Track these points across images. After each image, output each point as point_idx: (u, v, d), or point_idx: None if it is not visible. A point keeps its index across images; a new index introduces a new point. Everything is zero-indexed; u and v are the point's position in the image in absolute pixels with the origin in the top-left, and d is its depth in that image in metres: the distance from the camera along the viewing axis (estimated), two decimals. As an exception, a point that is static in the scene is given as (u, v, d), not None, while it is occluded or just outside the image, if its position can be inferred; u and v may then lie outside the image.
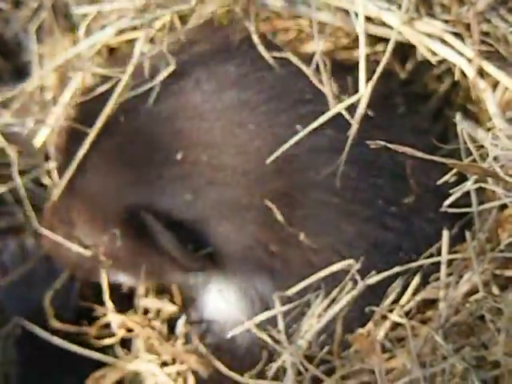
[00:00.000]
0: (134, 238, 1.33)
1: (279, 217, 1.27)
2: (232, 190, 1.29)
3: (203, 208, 1.30)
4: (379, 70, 1.26)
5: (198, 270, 1.34)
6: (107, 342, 1.44)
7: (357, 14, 1.29)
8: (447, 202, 1.24)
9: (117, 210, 1.32)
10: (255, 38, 1.34)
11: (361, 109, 1.26)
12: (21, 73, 1.43)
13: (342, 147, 1.25)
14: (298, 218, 1.30)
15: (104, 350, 1.44)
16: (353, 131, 1.24)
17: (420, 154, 1.18)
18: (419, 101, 1.46)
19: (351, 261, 1.23)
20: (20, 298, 1.47)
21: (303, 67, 1.32)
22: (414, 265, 1.24)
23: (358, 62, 1.28)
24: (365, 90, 1.25)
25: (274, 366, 1.25)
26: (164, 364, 1.41)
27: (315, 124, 1.24)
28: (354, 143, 1.26)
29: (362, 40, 1.27)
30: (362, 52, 1.26)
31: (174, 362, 1.41)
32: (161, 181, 1.30)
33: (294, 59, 1.33)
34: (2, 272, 1.46)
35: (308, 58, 1.34)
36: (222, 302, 1.39)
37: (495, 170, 1.18)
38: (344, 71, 1.35)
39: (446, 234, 1.24)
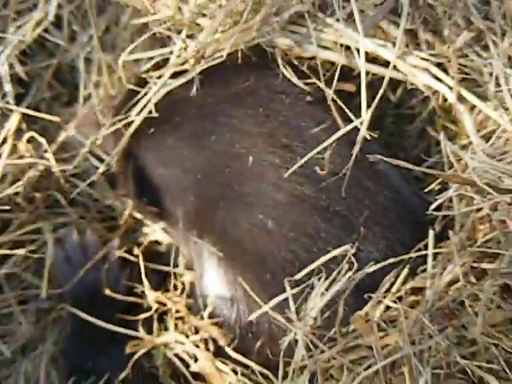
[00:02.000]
0: None
1: None
2: None
3: None
4: (378, 97, 1.24)
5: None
6: (143, 316, 1.40)
7: (358, 50, 1.27)
8: (433, 206, 1.24)
9: None
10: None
11: (363, 131, 1.24)
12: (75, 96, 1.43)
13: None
14: None
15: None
16: (356, 149, 1.22)
17: (410, 166, 1.18)
18: (407, 121, 1.45)
19: (347, 246, 1.23)
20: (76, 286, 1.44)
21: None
22: (405, 257, 1.22)
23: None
24: (366, 115, 1.23)
25: (287, 339, 1.23)
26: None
27: (329, 141, 1.23)
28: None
29: (363, 74, 1.24)
30: (363, 85, 1.23)
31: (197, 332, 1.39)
32: None
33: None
34: (66, 258, 1.43)
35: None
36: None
37: (473, 179, 1.17)
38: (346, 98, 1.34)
39: (431, 232, 1.22)
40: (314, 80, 1.34)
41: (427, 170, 1.24)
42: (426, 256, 1.23)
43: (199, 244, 1.35)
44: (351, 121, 1.25)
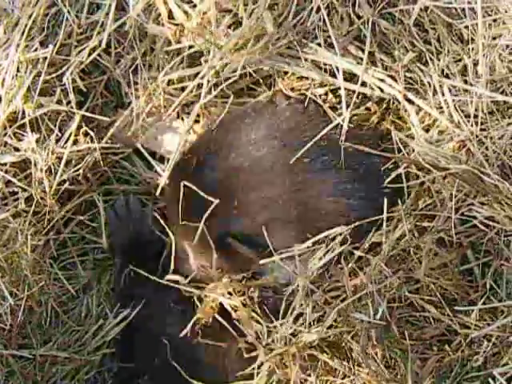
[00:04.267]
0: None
1: None
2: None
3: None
4: (353, 100, 1.33)
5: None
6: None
7: (337, 68, 1.35)
8: (387, 180, 1.29)
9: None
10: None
11: (345, 126, 1.30)
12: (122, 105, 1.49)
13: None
14: None
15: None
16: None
17: (374, 152, 1.26)
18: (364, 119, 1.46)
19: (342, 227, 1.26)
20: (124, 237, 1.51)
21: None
22: (366, 221, 1.27)
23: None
24: (346, 113, 1.30)
25: (290, 288, 1.28)
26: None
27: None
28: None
29: (343, 87, 1.33)
30: (343, 93, 1.32)
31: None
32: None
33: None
34: (116, 214, 1.49)
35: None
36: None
37: (418, 160, 1.25)
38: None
39: (385, 200, 1.25)
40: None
41: (386, 154, 1.29)
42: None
43: None
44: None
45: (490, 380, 1.16)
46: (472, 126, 1.28)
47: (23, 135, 1.36)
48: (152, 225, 1.48)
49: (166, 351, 1.36)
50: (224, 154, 1.32)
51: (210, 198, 1.26)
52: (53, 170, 1.36)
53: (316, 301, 1.27)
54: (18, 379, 1.27)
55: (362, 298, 1.25)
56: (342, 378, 1.31)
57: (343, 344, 1.30)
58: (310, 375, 1.30)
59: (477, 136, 1.26)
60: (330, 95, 1.41)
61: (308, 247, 1.28)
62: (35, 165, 1.34)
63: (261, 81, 1.45)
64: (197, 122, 1.46)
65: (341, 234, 1.27)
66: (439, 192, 1.29)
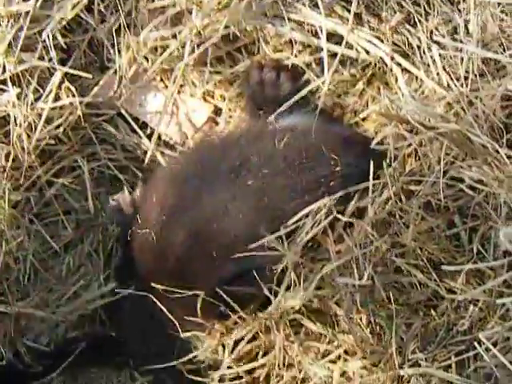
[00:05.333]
0: None
1: None
2: None
3: None
4: (336, 61, 1.24)
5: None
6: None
7: (321, 29, 1.25)
8: (374, 141, 1.22)
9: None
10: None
11: (325, 89, 1.22)
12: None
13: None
14: None
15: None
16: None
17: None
18: (349, 85, 1.37)
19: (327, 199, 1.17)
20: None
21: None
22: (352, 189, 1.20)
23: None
24: (327, 75, 1.22)
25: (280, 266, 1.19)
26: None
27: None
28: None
29: (325, 47, 1.24)
30: (325, 53, 1.24)
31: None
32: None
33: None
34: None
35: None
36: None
37: (407, 118, 1.14)
38: None
39: (371, 164, 1.16)
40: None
41: (376, 112, 1.27)
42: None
43: None
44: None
45: (475, 344, 1.08)
46: (462, 86, 1.18)
47: (3, 90, 1.26)
48: None
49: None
50: None
51: None
52: (33, 127, 1.26)
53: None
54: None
55: (347, 262, 1.16)
56: (327, 344, 1.22)
57: (327, 310, 1.22)
58: (293, 342, 1.22)
59: (467, 96, 1.15)
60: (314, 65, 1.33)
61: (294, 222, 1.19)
62: (15, 120, 1.24)
63: (242, 48, 1.36)
64: (181, 86, 1.37)
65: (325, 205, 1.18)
66: (426, 156, 1.18)
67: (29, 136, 1.27)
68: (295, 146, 1.23)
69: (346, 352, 1.21)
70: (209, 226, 1.18)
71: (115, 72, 1.33)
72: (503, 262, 1.07)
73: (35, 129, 1.27)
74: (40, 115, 1.27)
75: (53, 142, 1.31)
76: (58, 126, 1.29)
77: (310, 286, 1.16)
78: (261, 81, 1.32)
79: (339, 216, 1.18)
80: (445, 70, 1.22)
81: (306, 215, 1.19)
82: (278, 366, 1.23)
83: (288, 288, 1.19)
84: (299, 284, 1.18)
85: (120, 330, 1.33)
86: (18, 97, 1.26)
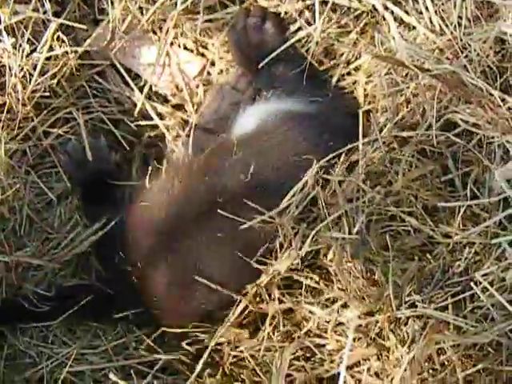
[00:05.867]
0: None
1: None
2: None
3: None
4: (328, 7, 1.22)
5: None
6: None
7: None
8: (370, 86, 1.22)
9: None
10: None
11: (316, 36, 1.21)
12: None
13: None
14: None
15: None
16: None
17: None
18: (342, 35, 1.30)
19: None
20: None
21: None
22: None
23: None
24: (319, 22, 1.21)
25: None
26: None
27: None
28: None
29: None
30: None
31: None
32: None
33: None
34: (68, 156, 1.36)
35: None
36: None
37: (403, 60, 1.11)
38: None
39: (360, 113, 1.14)
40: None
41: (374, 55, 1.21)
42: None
43: None
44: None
45: (472, 285, 1.05)
46: (456, 30, 1.13)
47: (-1, 41, 1.21)
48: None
49: None
50: None
51: None
52: (28, 78, 1.23)
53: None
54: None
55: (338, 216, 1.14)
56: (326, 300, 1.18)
57: (319, 264, 1.19)
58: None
59: (461, 40, 1.11)
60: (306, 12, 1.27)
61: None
62: (10, 70, 1.20)
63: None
64: (174, 39, 1.34)
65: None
66: (419, 104, 1.15)
67: (24, 87, 1.23)
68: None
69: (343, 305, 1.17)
70: None
71: (108, 23, 1.28)
72: (499, 198, 1.05)
73: (30, 80, 1.23)
74: (35, 66, 1.23)
75: (48, 94, 1.27)
76: (52, 77, 1.25)
77: (305, 244, 1.14)
78: (245, 26, 1.28)
79: (329, 177, 1.16)
80: (437, 15, 1.18)
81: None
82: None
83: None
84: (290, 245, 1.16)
85: (116, 286, 1.27)
86: (14, 46, 1.22)
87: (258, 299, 1.20)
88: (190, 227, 1.18)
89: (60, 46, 1.24)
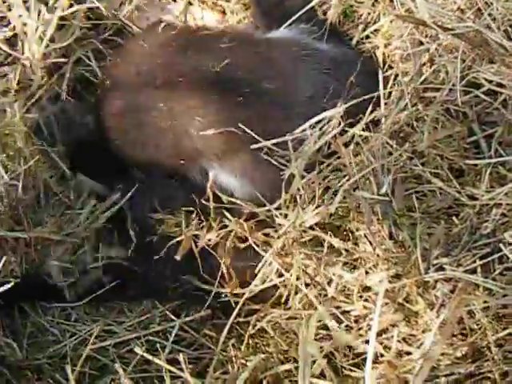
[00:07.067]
0: None
1: None
2: None
3: None
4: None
5: None
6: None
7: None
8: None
9: None
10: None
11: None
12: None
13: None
14: None
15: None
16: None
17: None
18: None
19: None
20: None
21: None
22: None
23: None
24: None
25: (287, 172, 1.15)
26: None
27: None
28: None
29: None
30: None
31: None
32: None
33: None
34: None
35: None
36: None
37: (424, 19, 1.09)
38: None
39: (380, 72, 1.13)
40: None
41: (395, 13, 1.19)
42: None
43: None
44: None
45: (501, 246, 1.03)
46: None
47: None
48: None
49: None
50: None
51: None
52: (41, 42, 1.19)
53: (313, 181, 1.12)
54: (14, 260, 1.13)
55: (365, 175, 1.10)
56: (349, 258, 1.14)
57: (346, 226, 1.15)
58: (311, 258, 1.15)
59: (483, -2, 1.08)
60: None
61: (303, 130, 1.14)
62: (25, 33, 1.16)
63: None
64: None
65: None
66: (443, 65, 1.12)
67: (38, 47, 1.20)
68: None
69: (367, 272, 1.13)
70: None
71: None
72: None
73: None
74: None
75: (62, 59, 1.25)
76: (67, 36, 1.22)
77: (334, 201, 1.10)
78: None
79: (352, 130, 1.13)
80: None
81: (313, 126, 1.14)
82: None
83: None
84: (314, 202, 1.12)
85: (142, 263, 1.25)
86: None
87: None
88: None
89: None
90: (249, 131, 1.12)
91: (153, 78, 1.16)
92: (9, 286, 0.96)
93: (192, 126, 1.15)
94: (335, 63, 1.18)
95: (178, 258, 1.15)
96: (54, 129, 1.30)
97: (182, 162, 1.19)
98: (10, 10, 1.19)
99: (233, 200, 1.17)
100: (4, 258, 1.03)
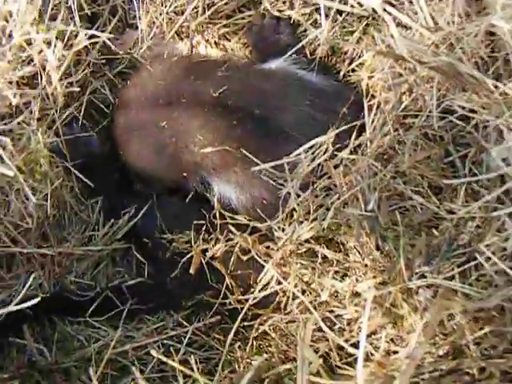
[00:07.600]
0: None
1: None
2: None
3: None
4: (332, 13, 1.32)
5: None
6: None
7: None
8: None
9: None
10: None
11: (323, 38, 1.29)
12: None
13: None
14: None
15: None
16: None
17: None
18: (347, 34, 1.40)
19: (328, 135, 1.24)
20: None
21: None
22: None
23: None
24: (325, 24, 1.30)
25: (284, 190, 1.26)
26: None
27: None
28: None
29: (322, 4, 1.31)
30: (322, 7, 1.31)
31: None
32: None
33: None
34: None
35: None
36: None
37: (402, 54, 1.19)
38: None
39: (365, 101, 1.24)
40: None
41: (378, 51, 1.28)
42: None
43: None
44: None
45: (476, 255, 1.14)
46: (449, 25, 1.22)
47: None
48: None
49: None
50: None
51: None
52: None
53: (307, 199, 1.24)
54: (42, 275, 1.23)
55: (354, 193, 1.21)
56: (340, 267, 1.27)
57: (337, 238, 1.27)
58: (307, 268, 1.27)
59: (454, 35, 1.20)
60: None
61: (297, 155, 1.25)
62: (44, 69, 1.26)
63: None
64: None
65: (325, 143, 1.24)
66: (420, 94, 1.23)
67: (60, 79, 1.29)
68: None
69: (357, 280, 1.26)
70: None
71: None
72: (496, 175, 1.13)
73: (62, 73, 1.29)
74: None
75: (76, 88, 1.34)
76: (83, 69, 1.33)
77: (326, 217, 1.22)
78: (262, 26, 1.38)
79: (341, 153, 1.24)
80: (431, 12, 1.26)
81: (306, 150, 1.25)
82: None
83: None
84: (307, 218, 1.24)
85: (158, 276, 1.36)
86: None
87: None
88: None
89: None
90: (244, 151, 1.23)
91: (157, 99, 1.27)
92: (37, 300, 0.99)
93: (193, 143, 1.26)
94: (324, 94, 1.29)
95: (192, 272, 1.25)
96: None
97: (184, 175, 1.30)
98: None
99: (237, 217, 1.28)
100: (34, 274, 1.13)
